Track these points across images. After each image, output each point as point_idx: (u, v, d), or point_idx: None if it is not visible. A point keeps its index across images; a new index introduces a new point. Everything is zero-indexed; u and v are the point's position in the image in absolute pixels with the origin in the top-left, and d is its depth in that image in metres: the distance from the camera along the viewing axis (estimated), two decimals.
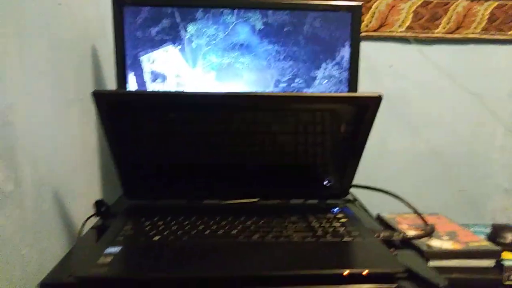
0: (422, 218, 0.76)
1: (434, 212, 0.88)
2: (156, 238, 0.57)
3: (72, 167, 0.69)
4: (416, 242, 0.70)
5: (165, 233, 0.58)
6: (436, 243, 0.72)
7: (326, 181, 0.73)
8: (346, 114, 0.72)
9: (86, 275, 0.47)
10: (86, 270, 0.48)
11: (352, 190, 0.74)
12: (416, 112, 1.12)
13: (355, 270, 0.49)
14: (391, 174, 1.13)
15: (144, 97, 0.61)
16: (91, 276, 0.47)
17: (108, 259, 0.50)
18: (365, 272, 0.48)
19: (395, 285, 0.49)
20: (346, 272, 0.48)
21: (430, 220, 0.78)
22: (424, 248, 0.69)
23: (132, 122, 0.64)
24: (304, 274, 0.48)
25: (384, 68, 1.08)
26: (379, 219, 0.83)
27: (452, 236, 0.75)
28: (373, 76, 1.04)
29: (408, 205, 0.76)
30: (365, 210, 0.82)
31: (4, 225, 0.45)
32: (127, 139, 0.65)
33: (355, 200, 0.85)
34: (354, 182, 0.70)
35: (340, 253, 0.55)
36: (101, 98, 0.56)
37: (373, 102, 0.58)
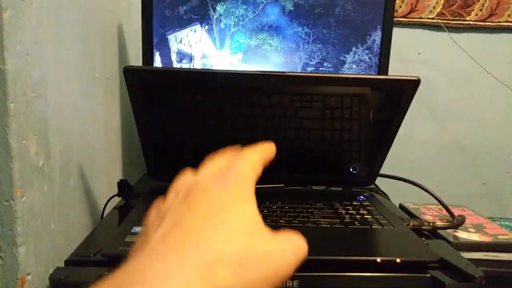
0: (448, 210, 0.74)
1: (459, 204, 0.86)
2: None
3: (96, 146, 0.69)
4: (443, 233, 0.68)
5: None
6: (463, 234, 0.70)
7: (352, 169, 0.72)
8: (377, 99, 0.70)
9: (115, 253, 0.47)
10: (115, 248, 0.47)
11: None
12: (443, 102, 1.10)
13: (388, 258, 0.48)
14: (413, 164, 1.11)
15: (175, 74, 0.60)
16: (120, 254, 0.47)
17: (136, 238, 0.50)
18: (398, 260, 0.47)
19: (428, 275, 0.48)
20: (379, 259, 0.47)
21: (455, 212, 0.76)
22: (451, 239, 0.67)
23: (160, 101, 0.63)
24: (334, 259, 0.47)
25: (411, 55, 1.05)
26: (402, 209, 0.81)
27: (479, 228, 0.73)
28: (400, 63, 1.02)
29: (434, 196, 0.75)
30: (389, 200, 0.81)
31: (35, 198, 0.45)
32: (154, 118, 0.64)
33: (378, 189, 0.84)
34: None
35: (371, 240, 0.54)
36: (132, 74, 0.55)
37: (411, 86, 0.56)
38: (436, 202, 0.76)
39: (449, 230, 0.70)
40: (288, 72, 0.58)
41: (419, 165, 1.12)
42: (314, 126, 0.70)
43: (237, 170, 0.26)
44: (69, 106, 0.57)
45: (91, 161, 0.66)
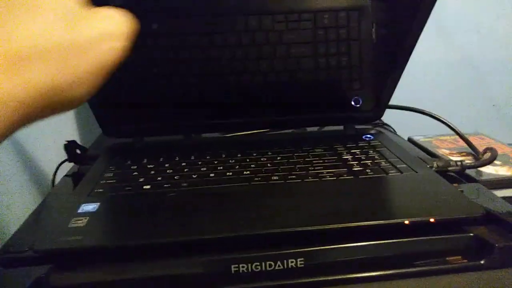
0: (469, 143, 0.63)
1: (474, 132, 0.74)
2: (147, 187, 0.44)
3: None
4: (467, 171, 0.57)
5: (158, 179, 0.45)
6: (488, 169, 0.59)
7: (354, 102, 0.59)
8: (381, 11, 0.56)
9: (50, 248, 0.34)
10: (51, 241, 0.34)
11: None
12: (451, 13, 0.94)
13: (418, 219, 0.36)
14: (416, 89, 0.98)
15: None
16: (58, 249, 0.34)
17: (83, 222, 0.37)
18: (433, 220, 0.35)
19: (470, 234, 0.36)
20: (406, 221, 0.35)
21: (473, 141, 0.65)
22: (475, 176, 0.56)
23: None
24: (348, 227, 0.35)
25: None
26: (413, 144, 0.70)
27: (505, 160, 0.62)
28: None
29: (453, 129, 0.63)
30: (397, 135, 0.69)
31: None
32: None
33: (382, 123, 0.71)
34: None
35: (391, 194, 0.43)
36: None
37: None
38: (449, 132, 0.65)
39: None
40: None
41: (422, 89, 0.99)
42: (304, 53, 0.57)
43: None
44: None
45: None
